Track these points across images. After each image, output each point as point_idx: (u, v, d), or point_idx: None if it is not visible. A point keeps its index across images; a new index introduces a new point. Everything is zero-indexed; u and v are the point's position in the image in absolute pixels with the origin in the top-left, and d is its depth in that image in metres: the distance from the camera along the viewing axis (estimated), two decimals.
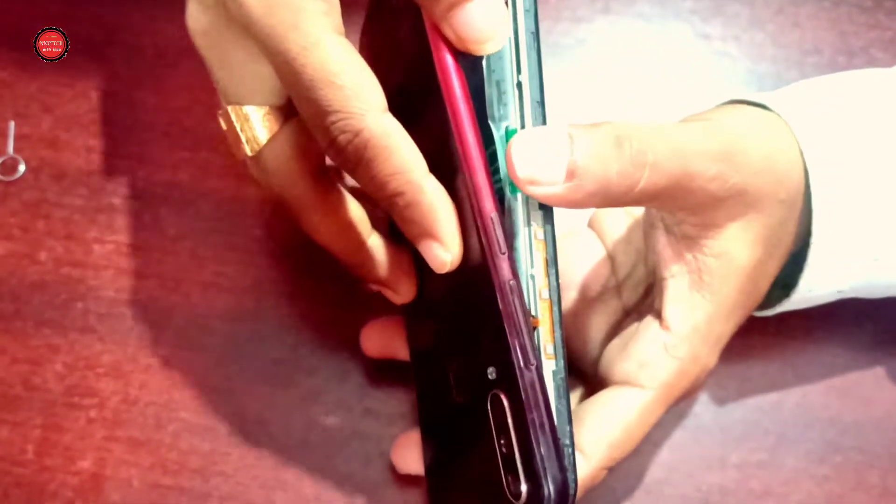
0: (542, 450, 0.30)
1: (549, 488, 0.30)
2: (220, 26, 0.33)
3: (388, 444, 0.41)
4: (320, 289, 0.44)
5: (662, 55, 0.49)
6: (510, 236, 0.32)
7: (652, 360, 0.35)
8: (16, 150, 0.46)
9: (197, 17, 0.34)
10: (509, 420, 0.31)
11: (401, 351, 0.41)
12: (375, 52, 0.37)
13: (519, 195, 0.32)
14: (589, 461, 0.35)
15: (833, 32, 0.50)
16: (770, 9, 0.50)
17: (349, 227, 0.37)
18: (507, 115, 0.32)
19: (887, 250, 0.37)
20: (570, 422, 0.32)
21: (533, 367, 0.30)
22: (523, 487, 0.30)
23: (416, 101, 0.34)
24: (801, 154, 0.36)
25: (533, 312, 0.32)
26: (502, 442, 0.31)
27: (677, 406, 0.37)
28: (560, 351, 0.32)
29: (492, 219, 0.31)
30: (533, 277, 0.32)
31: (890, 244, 0.37)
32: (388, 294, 0.39)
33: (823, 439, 0.42)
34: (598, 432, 0.35)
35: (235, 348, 0.43)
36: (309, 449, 0.42)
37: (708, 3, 0.51)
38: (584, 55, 0.49)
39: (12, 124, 0.46)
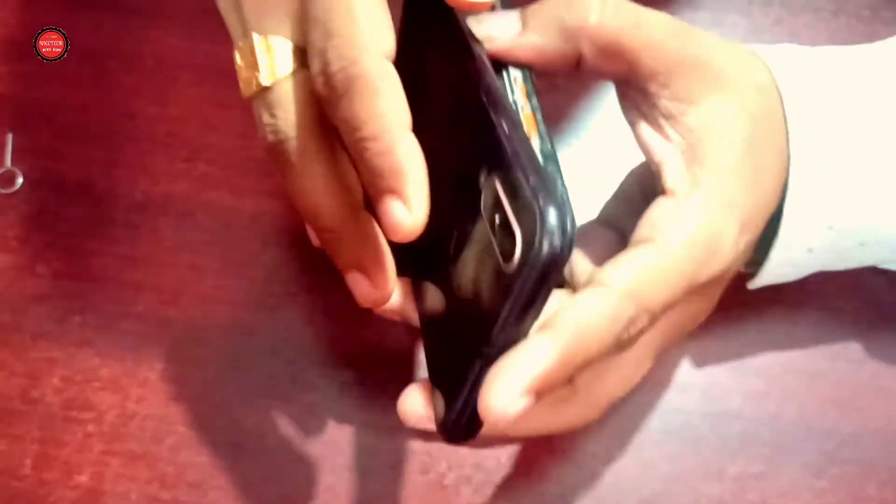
0: (530, 177, 0.28)
1: (547, 212, 0.27)
2: None
3: (386, 458, 0.41)
4: (318, 302, 0.44)
5: None
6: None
7: (663, 220, 0.33)
8: (14, 161, 0.46)
9: None
10: (500, 191, 0.29)
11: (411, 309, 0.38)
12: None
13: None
14: (609, 291, 0.32)
15: (831, 42, 0.50)
16: (768, 19, 0.50)
17: (342, 189, 0.34)
18: None
19: (864, 195, 0.37)
20: (561, 176, 0.32)
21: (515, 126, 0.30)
22: (517, 234, 0.28)
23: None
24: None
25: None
26: (496, 222, 0.30)
27: (685, 339, 0.36)
28: (546, 139, 0.33)
29: (482, 59, 0.33)
30: (516, 103, 0.34)
31: (869, 189, 0.37)
32: (359, 286, 0.36)
33: (821, 451, 0.42)
34: (617, 268, 0.32)
35: (233, 362, 0.43)
36: (307, 463, 0.42)
37: (706, 14, 0.51)
38: None
39: (10, 136, 0.46)
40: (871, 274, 0.42)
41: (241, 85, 0.34)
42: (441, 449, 0.42)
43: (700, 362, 0.44)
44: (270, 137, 0.33)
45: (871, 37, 0.50)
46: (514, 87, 0.34)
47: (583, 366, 0.31)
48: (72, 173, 0.46)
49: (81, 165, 0.46)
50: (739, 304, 0.43)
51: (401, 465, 0.42)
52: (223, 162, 0.46)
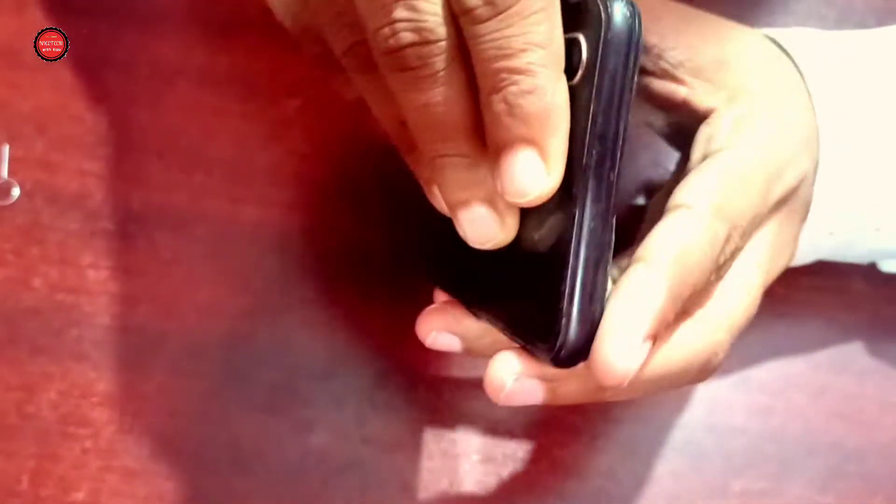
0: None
1: None
2: None
3: (386, 473, 0.41)
4: (317, 314, 0.43)
5: None
6: None
7: (719, 132, 0.32)
8: (10, 173, 0.45)
9: None
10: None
11: (463, 326, 0.34)
12: None
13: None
14: (698, 212, 0.30)
15: None
16: (774, 27, 0.50)
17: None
18: None
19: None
20: None
21: None
22: (581, 40, 0.27)
23: None
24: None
25: None
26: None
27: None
28: None
29: None
30: None
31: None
32: (485, 225, 0.29)
33: (826, 466, 0.42)
34: (696, 186, 0.31)
35: (231, 375, 0.42)
36: (305, 477, 0.41)
37: None
38: None
39: (6, 147, 0.46)
40: (876, 288, 0.41)
41: None
42: (443, 465, 0.41)
43: None
44: (408, 37, 0.26)
45: None
46: None
47: (692, 297, 0.29)
48: (67, 184, 0.45)
49: (76, 176, 0.45)
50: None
51: (401, 480, 0.41)
52: (221, 172, 0.45)
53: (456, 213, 0.28)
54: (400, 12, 0.25)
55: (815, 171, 0.35)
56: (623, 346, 0.27)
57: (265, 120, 0.46)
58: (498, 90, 0.25)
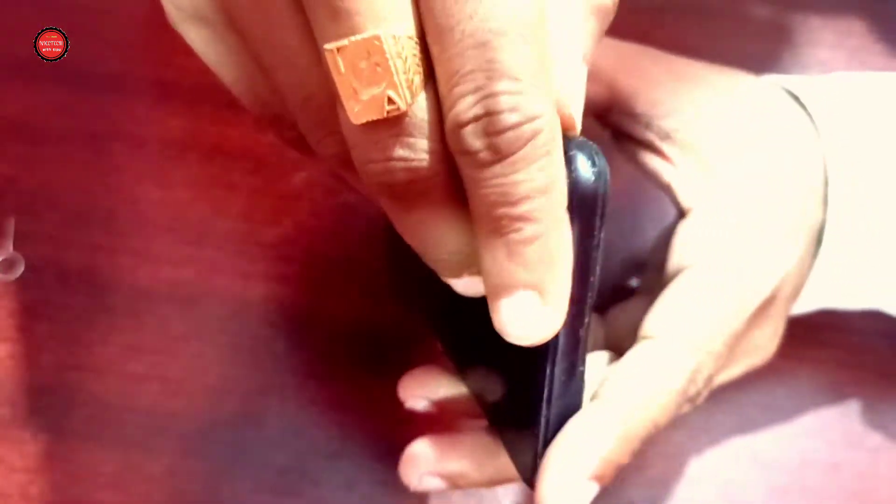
0: None
1: (571, 152, 0.25)
2: None
3: None
4: (328, 393, 0.43)
5: None
6: None
7: (692, 244, 0.31)
8: (16, 247, 0.45)
9: None
10: None
11: (443, 391, 0.35)
12: None
13: None
14: (662, 344, 0.29)
15: None
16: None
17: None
18: None
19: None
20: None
21: None
22: None
23: None
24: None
25: None
26: None
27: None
28: None
29: None
30: None
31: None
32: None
33: None
34: (662, 315, 0.30)
35: (240, 456, 0.42)
36: None
37: None
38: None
39: (12, 221, 0.45)
40: (889, 362, 0.41)
41: (354, 109, 0.23)
42: None
43: (714, 454, 0.43)
44: (401, 176, 0.24)
45: None
46: None
47: (653, 435, 0.28)
48: (74, 260, 0.45)
49: (84, 252, 0.45)
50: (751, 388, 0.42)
51: None
52: (231, 247, 0.45)
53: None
54: (395, 150, 0.23)
55: (813, 243, 0.34)
56: (561, 486, 0.27)
57: (273, 194, 0.46)
58: (498, 234, 0.24)
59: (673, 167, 0.33)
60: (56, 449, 0.42)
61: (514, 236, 0.23)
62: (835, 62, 0.51)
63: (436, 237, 0.25)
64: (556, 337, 0.26)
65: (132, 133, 0.47)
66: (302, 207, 0.46)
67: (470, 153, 0.23)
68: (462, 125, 0.22)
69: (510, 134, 0.22)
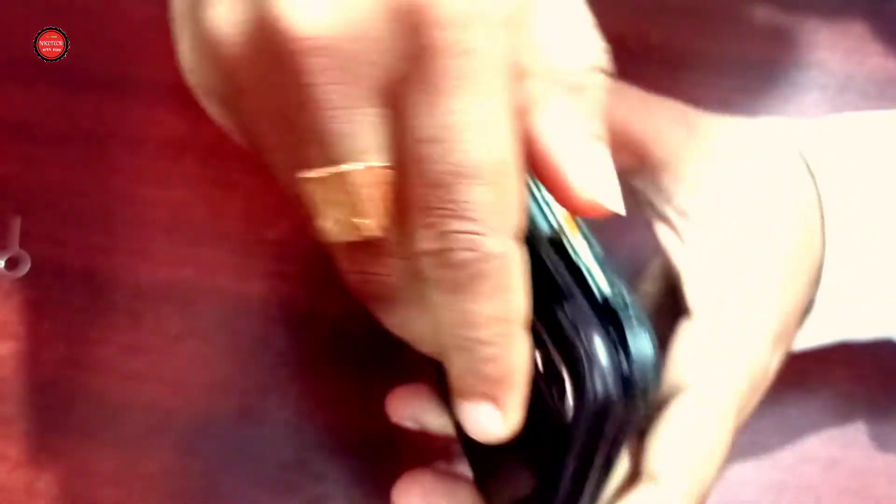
0: (569, 310, 0.24)
1: (592, 347, 0.23)
2: None
3: None
4: (327, 389, 0.43)
5: None
6: None
7: (693, 359, 0.31)
8: (20, 246, 0.45)
9: None
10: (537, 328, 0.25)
11: (426, 417, 0.36)
12: None
13: None
14: (664, 489, 0.30)
15: None
16: (773, 97, 0.51)
17: None
18: None
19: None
20: (615, 271, 0.26)
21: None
22: (566, 380, 0.24)
23: None
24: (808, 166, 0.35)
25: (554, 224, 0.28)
26: (542, 367, 0.26)
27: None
28: (592, 240, 0.27)
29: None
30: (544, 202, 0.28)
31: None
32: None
33: None
34: (665, 453, 0.30)
35: (240, 453, 0.42)
36: None
37: (711, 92, 0.51)
38: None
39: (18, 220, 0.46)
40: (887, 360, 0.41)
41: (328, 228, 0.24)
42: None
43: None
44: (374, 288, 0.26)
45: None
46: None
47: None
48: (74, 259, 0.45)
49: (83, 251, 0.45)
50: None
51: None
52: (229, 246, 0.45)
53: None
54: (368, 266, 0.25)
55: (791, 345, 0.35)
56: None
57: (272, 194, 0.46)
58: (458, 348, 0.25)
59: (685, 249, 0.33)
60: (58, 445, 0.42)
61: (471, 354, 0.25)
62: (832, 62, 0.52)
63: (418, 334, 0.26)
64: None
65: (131, 133, 0.48)
66: (300, 207, 0.46)
67: (430, 279, 0.24)
68: (422, 254, 0.24)
69: (465, 272, 0.23)
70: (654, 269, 0.39)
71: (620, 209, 0.25)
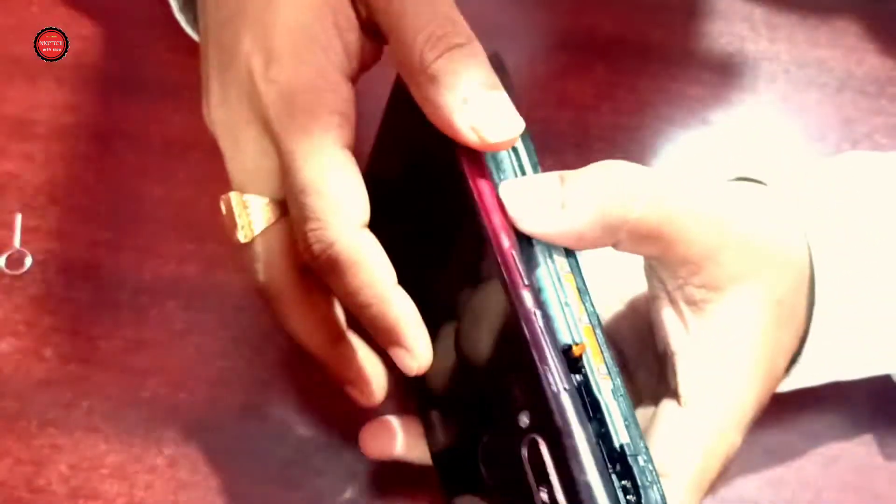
0: (585, 477, 0.28)
1: None
2: (242, 121, 0.35)
3: None
4: (329, 386, 0.43)
5: (666, 140, 0.50)
6: (533, 273, 0.32)
7: (677, 445, 0.33)
8: (22, 243, 0.46)
9: (216, 108, 0.36)
10: (547, 461, 0.29)
11: (402, 450, 0.39)
12: (392, 139, 0.38)
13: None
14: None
15: (837, 119, 0.51)
16: (774, 95, 0.51)
17: (321, 326, 0.38)
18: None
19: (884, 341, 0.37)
20: (642, 437, 0.30)
21: (566, 390, 0.29)
22: None
23: (427, 186, 0.35)
24: (805, 236, 0.36)
25: (576, 339, 0.31)
26: (542, 491, 0.29)
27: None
28: (614, 370, 0.31)
29: (512, 254, 0.31)
30: (568, 305, 0.31)
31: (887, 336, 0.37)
32: (354, 394, 0.39)
33: None
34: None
35: (242, 448, 0.42)
36: None
37: (712, 90, 0.51)
38: (590, 139, 0.49)
39: (19, 217, 0.46)
40: None
41: (227, 233, 0.36)
42: None
43: None
44: (255, 282, 0.37)
45: (878, 112, 0.51)
46: (562, 279, 0.32)
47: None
48: (78, 255, 0.45)
49: (88, 247, 0.46)
50: None
51: None
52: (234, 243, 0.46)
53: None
54: (249, 266, 0.37)
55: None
56: None
57: None
58: (357, 315, 0.34)
59: (688, 339, 0.34)
60: (61, 441, 0.42)
61: (363, 317, 0.33)
62: (832, 61, 0.52)
63: (295, 338, 0.38)
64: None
65: (135, 131, 0.48)
66: None
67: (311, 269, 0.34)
68: (301, 251, 0.34)
69: (323, 259, 0.33)
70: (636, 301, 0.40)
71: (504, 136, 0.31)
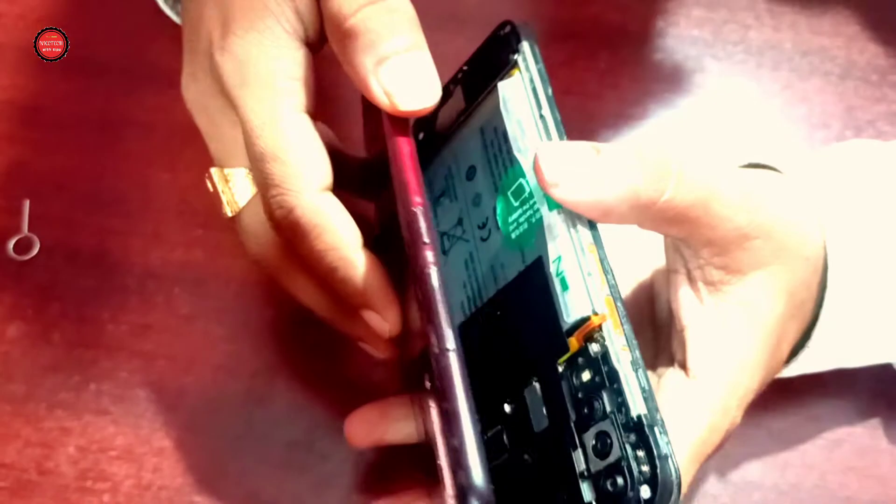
0: (455, 441, 0.27)
1: None
2: (209, 95, 0.35)
3: None
4: (334, 370, 0.44)
5: (669, 128, 0.50)
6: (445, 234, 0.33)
7: (682, 415, 0.33)
8: (30, 229, 0.46)
9: (188, 86, 0.37)
10: (436, 423, 0.29)
11: (388, 434, 0.39)
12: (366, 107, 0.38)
13: (559, 209, 0.31)
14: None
15: (840, 107, 0.51)
16: (777, 84, 0.51)
17: (319, 290, 0.37)
18: (531, 146, 0.32)
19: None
20: (658, 409, 0.29)
21: (450, 351, 0.28)
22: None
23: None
24: (821, 227, 0.36)
25: (597, 310, 0.30)
26: (439, 454, 0.29)
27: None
28: (633, 342, 0.30)
29: (415, 212, 0.31)
30: (590, 275, 0.30)
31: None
32: (369, 349, 0.38)
33: None
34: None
35: (248, 431, 0.43)
36: None
37: (714, 80, 0.51)
38: (595, 127, 0.50)
39: (27, 203, 0.46)
40: None
41: (218, 210, 0.37)
42: None
43: None
44: (249, 254, 0.37)
45: (880, 100, 0.51)
46: (586, 249, 0.31)
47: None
48: (86, 242, 0.46)
49: (95, 234, 0.46)
50: None
51: None
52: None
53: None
54: (240, 235, 0.37)
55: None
56: None
57: None
58: (327, 280, 0.35)
59: (701, 315, 0.34)
60: (69, 424, 0.43)
61: (331, 281, 0.34)
62: (834, 49, 0.52)
63: (298, 302, 0.38)
64: None
65: (142, 119, 0.48)
66: None
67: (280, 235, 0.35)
68: (268, 218, 0.35)
69: (283, 225, 0.34)
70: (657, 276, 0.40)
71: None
